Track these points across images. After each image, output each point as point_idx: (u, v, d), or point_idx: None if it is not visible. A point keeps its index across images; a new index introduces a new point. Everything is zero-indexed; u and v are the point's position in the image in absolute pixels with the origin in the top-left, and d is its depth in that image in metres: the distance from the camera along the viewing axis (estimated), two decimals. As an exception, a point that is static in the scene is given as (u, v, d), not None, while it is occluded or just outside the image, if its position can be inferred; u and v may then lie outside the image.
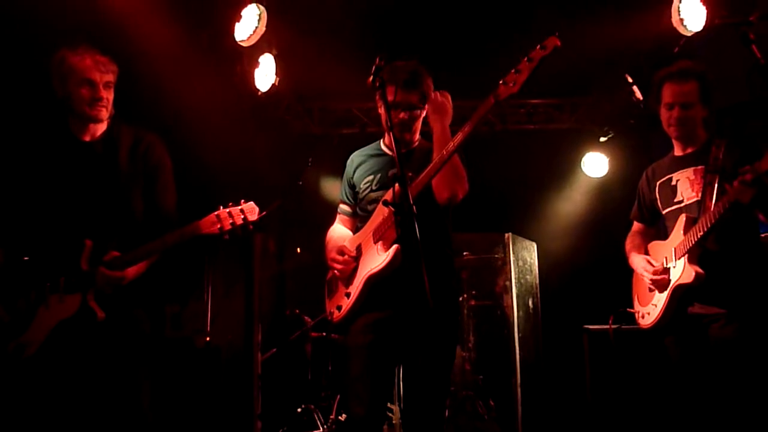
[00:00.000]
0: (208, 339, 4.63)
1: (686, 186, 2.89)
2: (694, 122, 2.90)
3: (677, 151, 3.03)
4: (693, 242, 2.71)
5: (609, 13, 4.41)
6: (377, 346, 2.55)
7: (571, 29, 3.85)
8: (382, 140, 2.88)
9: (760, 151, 2.73)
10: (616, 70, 5.41)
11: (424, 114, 2.70)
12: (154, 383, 2.64)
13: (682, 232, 2.80)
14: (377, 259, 2.52)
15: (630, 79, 5.22)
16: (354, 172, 2.85)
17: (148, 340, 2.63)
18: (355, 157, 2.90)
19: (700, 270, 2.71)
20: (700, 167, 2.86)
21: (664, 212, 3.01)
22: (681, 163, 2.97)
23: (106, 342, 2.50)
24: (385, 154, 2.79)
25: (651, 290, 2.95)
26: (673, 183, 2.96)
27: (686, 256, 2.75)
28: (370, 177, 2.76)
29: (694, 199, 2.83)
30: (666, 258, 2.87)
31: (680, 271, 2.77)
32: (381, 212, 2.58)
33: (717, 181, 2.75)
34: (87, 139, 2.66)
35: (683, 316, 2.80)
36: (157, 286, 2.75)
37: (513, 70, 2.26)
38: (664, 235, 3.03)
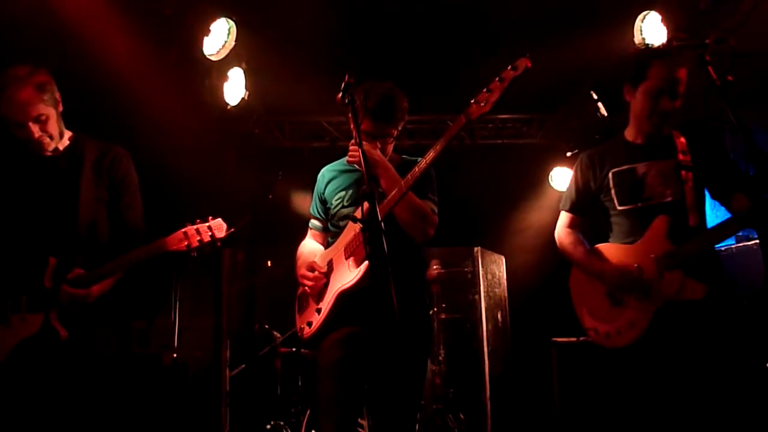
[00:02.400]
0: (175, 355, 4.55)
1: (658, 181, 2.60)
2: (674, 116, 2.62)
3: (636, 138, 2.73)
4: (697, 253, 2.44)
5: (575, 33, 4.51)
6: (348, 362, 2.54)
7: (539, 48, 3.92)
8: (352, 155, 2.87)
9: (717, 144, 2.62)
10: (582, 87, 5.54)
11: (397, 134, 2.72)
12: (119, 401, 2.59)
13: (665, 238, 2.52)
14: (348, 275, 2.52)
15: (595, 96, 5.35)
16: (325, 187, 2.84)
17: (112, 359, 2.58)
18: (326, 172, 2.89)
19: (706, 286, 2.44)
20: (671, 161, 2.60)
21: (620, 207, 2.68)
22: (645, 152, 2.67)
23: (70, 361, 2.45)
24: (356, 169, 2.78)
25: (617, 305, 2.63)
26: (639, 175, 2.64)
27: (681, 269, 2.47)
28: (342, 193, 2.76)
29: (670, 199, 2.58)
30: (640, 266, 2.56)
31: (678, 286, 2.46)
32: (352, 228, 2.58)
33: (692, 180, 2.55)
34: (50, 154, 2.61)
35: (671, 332, 2.51)
36: (123, 303, 2.71)
37: (484, 90, 2.27)
38: (603, 230, 2.79)
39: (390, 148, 2.73)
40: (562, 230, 2.93)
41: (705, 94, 2.23)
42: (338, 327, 2.60)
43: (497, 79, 2.24)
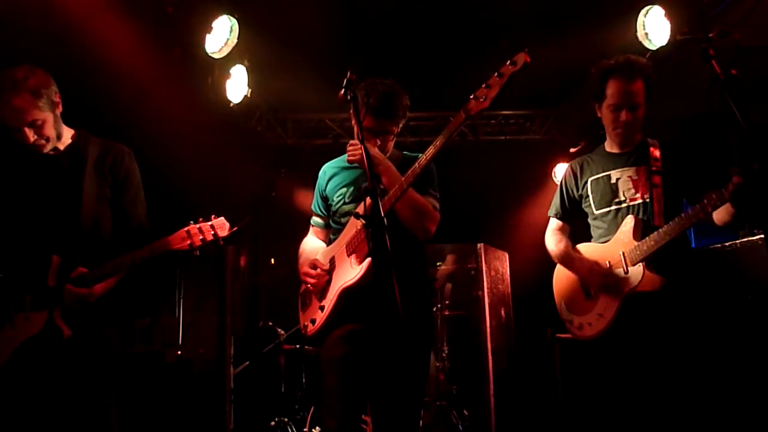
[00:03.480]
0: (179, 353, 4.56)
1: (629, 186, 2.78)
2: (639, 124, 2.80)
3: (612, 148, 2.92)
4: (655, 248, 2.61)
5: (577, 28, 4.50)
6: (352, 358, 2.55)
7: (542, 44, 3.92)
8: (354, 151, 2.87)
9: (693, 154, 2.78)
10: (585, 82, 5.51)
11: (397, 131, 2.71)
12: (123, 400, 2.59)
13: (632, 235, 2.69)
14: (351, 272, 2.53)
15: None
16: (326, 184, 2.84)
17: (116, 357, 2.59)
18: (327, 169, 2.89)
19: (663, 278, 2.62)
20: (642, 167, 2.77)
21: (597, 212, 2.88)
22: (619, 161, 2.86)
23: (73, 360, 2.45)
24: (357, 166, 2.79)
25: (590, 298, 2.83)
26: (613, 181, 2.83)
27: (643, 262, 2.65)
28: (343, 189, 2.76)
29: (639, 201, 2.75)
30: (610, 262, 2.77)
31: (639, 278, 2.65)
32: (354, 225, 2.59)
33: (661, 183, 2.70)
34: (51, 152, 2.60)
35: (632, 322, 2.69)
36: (127, 302, 2.71)
37: (483, 86, 2.25)
38: (586, 235, 2.94)
39: (390, 144, 2.73)
40: (549, 234, 3.12)
41: (708, 88, 2.23)
42: (341, 324, 2.61)
43: (496, 74, 2.22)
